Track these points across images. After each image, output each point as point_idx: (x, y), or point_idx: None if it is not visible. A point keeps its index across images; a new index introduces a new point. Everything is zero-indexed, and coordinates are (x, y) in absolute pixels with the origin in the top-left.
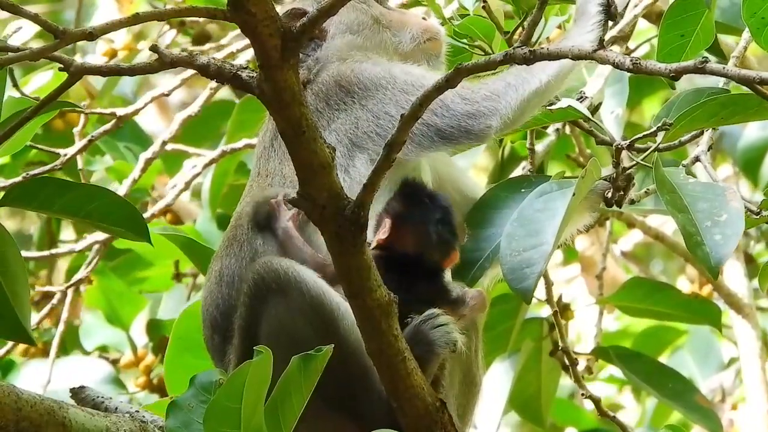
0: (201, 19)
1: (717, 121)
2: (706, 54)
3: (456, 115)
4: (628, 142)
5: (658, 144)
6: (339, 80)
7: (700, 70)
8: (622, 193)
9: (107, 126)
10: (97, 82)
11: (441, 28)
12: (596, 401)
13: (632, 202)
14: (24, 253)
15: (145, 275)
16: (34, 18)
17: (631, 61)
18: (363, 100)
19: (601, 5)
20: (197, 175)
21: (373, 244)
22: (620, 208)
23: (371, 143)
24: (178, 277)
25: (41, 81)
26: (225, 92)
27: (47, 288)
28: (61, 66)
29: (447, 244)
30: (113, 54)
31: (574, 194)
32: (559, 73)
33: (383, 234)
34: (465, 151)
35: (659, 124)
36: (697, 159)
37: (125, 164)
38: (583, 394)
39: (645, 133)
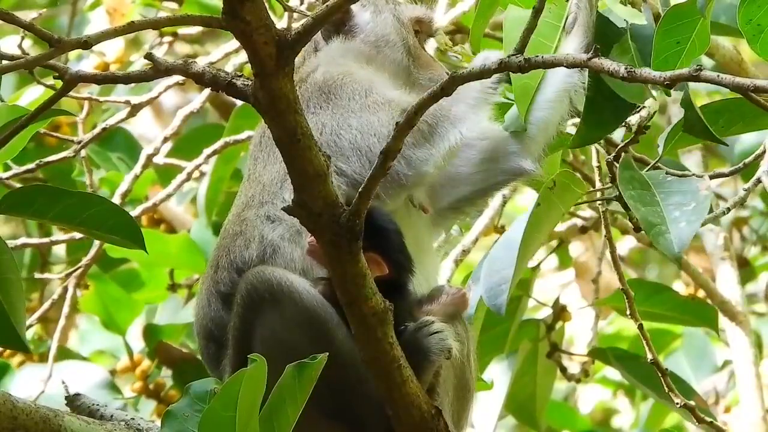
0: (194, 32)
1: (717, 131)
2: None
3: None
4: (613, 155)
5: (660, 157)
6: (322, 86)
7: (694, 77)
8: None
9: (122, 114)
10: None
11: None
12: (691, 409)
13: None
14: (22, 240)
15: (140, 287)
16: (29, 26)
17: (625, 69)
18: (335, 107)
19: None
20: (191, 174)
21: None
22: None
23: (329, 152)
24: (173, 287)
25: (33, 95)
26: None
27: (46, 275)
28: (56, 74)
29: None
30: (105, 67)
31: (539, 204)
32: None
33: (385, 270)
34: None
35: (635, 129)
36: (759, 181)
37: (118, 175)
38: (677, 404)
39: (626, 141)
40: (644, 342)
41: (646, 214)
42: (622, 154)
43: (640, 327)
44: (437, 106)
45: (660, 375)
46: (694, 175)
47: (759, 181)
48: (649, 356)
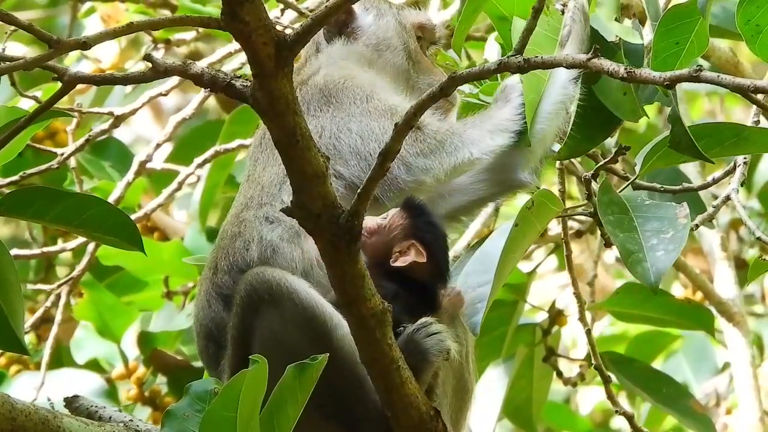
0: (189, 37)
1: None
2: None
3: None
4: (591, 172)
5: (638, 175)
6: (323, 89)
7: (695, 78)
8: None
9: (104, 125)
10: (84, 100)
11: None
12: (629, 417)
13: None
14: (16, 252)
15: (135, 296)
16: (29, 27)
17: (625, 69)
18: (335, 110)
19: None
20: (182, 183)
21: (398, 263)
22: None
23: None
24: (168, 295)
25: (31, 100)
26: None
27: (39, 286)
28: (55, 75)
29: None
30: (101, 73)
31: (517, 224)
32: (493, 151)
33: (423, 258)
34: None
35: (615, 149)
36: (728, 198)
37: (110, 184)
38: (617, 411)
39: (605, 161)
40: (591, 348)
41: (624, 241)
42: (600, 172)
43: (588, 332)
44: (452, 125)
45: (604, 382)
46: (664, 190)
47: (728, 198)
48: (593, 362)
